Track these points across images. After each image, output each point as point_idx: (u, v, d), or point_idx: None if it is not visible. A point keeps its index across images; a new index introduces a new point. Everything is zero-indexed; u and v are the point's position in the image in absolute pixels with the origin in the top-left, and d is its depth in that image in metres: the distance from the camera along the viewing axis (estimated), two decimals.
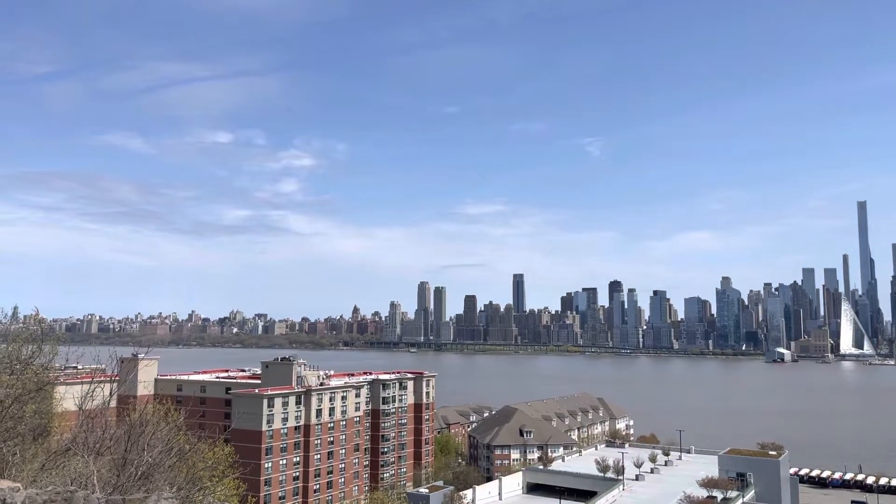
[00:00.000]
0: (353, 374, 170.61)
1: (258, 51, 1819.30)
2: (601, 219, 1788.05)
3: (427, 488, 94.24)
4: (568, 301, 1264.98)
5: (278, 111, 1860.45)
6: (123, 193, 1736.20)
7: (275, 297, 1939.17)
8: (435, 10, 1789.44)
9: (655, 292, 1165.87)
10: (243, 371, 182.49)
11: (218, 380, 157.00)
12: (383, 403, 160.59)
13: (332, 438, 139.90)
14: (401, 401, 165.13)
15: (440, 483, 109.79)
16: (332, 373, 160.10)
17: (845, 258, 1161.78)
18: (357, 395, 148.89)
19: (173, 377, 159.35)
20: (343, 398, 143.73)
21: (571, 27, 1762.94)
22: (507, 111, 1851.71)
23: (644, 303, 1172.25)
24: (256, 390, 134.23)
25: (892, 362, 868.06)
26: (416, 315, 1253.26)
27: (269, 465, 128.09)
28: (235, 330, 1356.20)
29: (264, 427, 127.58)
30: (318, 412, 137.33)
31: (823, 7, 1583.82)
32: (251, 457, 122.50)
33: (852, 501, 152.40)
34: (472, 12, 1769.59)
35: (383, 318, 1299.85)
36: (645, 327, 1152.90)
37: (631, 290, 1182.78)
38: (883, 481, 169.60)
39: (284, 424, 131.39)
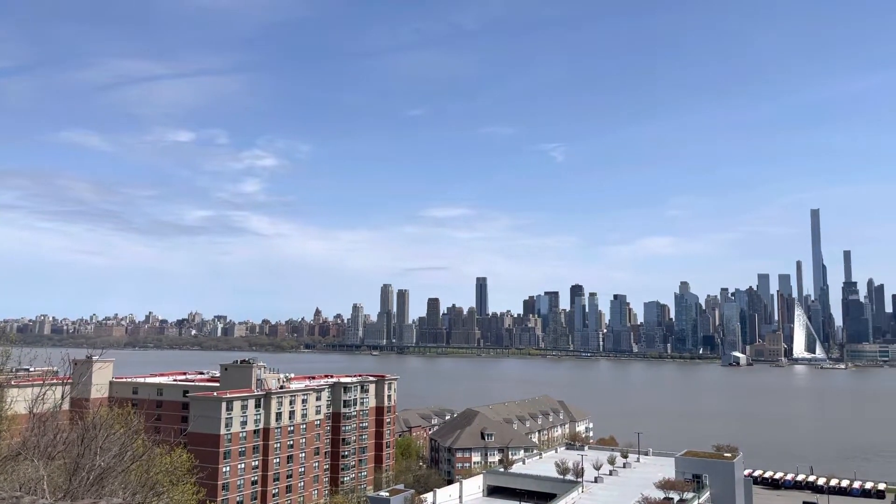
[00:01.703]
0: (314, 377, 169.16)
1: (221, 49, 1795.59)
2: (564, 223, 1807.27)
3: (387, 492, 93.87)
4: (530, 304, 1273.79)
5: (241, 111, 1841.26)
6: (80, 192, 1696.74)
7: (235, 298, 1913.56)
8: (401, 14, 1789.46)
9: (616, 296, 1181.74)
10: (202, 374, 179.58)
11: (175, 382, 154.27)
12: (344, 407, 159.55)
13: (291, 442, 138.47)
14: (362, 404, 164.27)
15: (401, 486, 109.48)
16: (292, 376, 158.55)
17: (799, 264, 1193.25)
18: (318, 399, 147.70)
19: (129, 380, 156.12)
20: (303, 401, 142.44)
21: (537, 34, 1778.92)
22: (474, 115, 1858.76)
23: (605, 306, 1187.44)
24: (215, 393, 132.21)
25: (843, 366, 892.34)
26: (379, 318, 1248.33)
27: (227, 469, 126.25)
28: (194, 332, 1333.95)
29: (222, 430, 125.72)
30: (278, 415, 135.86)
31: (781, 21, 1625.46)
32: (209, 461, 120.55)
33: (803, 502, 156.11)
34: (439, 17, 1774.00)
35: (346, 321, 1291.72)
36: (605, 331, 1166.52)
37: (592, 294, 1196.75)
38: (833, 482, 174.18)
39: (243, 428, 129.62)
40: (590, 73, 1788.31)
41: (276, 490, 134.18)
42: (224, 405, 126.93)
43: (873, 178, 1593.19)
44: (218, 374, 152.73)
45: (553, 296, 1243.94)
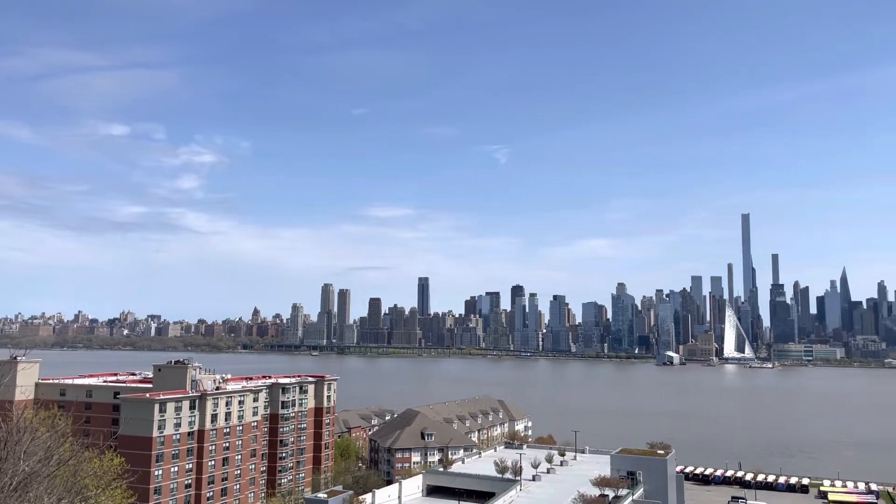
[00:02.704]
0: (251, 378, 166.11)
1: (159, 42, 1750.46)
2: (506, 224, 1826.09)
3: (326, 493, 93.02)
4: (472, 305, 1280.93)
5: (179, 105, 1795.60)
6: (7, 186, 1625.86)
7: (170, 297, 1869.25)
8: (343, 11, 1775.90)
9: (555, 297, 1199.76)
10: (133, 375, 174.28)
11: (105, 384, 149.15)
12: (282, 408, 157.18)
13: (227, 444, 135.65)
14: (301, 405, 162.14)
15: (339, 488, 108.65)
16: (229, 377, 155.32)
17: (730, 267, 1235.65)
18: (255, 400, 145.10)
19: (56, 381, 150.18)
20: (240, 403, 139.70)
21: (480, 36, 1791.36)
22: (417, 115, 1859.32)
23: (545, 307, 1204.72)
24: (148, 395, 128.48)
25: (770, 366, 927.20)
26: (320, 317, 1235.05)
27: (160, 472, 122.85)
28: (126, 332, 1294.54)
29: (155, 433, 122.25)
30: (214, 417, 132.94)
31: (717, 31, 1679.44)
32: (140, 464, 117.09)
33: (732, 497, 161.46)
34: (382, 16, 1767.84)
35: (285, 321, 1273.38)
36: (545, 331, 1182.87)
37: (532, 295, 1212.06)
38: (760, 478, 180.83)
39: (177, 430, 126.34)
40: (533, 75, 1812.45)
41: (211, 493, 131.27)
42: (157, 407, 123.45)
43: (800, 184, 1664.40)
44: (151, 375, 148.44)
45: (494, 296, 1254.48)
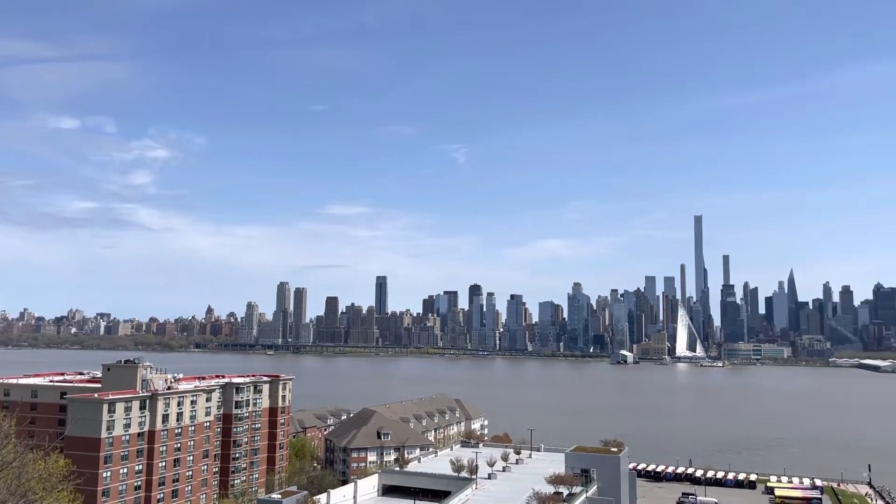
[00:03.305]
0: (204, 378, 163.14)
1: (110, 34, 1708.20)
2: (464, 224, 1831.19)
3: (279, 494, 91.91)
4: (430, 304, 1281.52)
5: (131, 99, 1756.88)
6: None
7: (120, 295, 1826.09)
8: (301, 8, 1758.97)
9: (512, 296, 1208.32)
10: (81, 374, 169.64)
11: (52, 384, 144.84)
12: (236, 408, 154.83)
13: (178, 445, 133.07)
14: (255, 405, 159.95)
15: (293, 488, 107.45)
16: (181, 376, 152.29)
17: (682, 268, 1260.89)
18: (208, 400, 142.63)
19: None
20: (192, 403, 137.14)
21: (440, 35, 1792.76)
22: (376, 113, 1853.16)
23: (502, 306, 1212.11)
24: (96, 395, 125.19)
25: (720, 364, 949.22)
26: (275, 316, 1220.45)
27: (108, 474, 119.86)
28: (74, 330, 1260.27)
29: (103, 434, 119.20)
30: (165, 418, 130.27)
31: (673, 35, 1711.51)
32: (88, 466, 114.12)
33: (683, 493, 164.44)
34: (340, 13, 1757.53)
35: (239, 320, 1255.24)
36: (502, 330, 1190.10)
37: (490, 294, 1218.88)
38: (710, 474, 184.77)
39: (126, 431, 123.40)
40: (492, 76, 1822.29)
41: (162, 495, 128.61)
42: (105, 407, 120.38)
43: (751, 187, 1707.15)
44: (99, 375, 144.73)
45: (452, 295, 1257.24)
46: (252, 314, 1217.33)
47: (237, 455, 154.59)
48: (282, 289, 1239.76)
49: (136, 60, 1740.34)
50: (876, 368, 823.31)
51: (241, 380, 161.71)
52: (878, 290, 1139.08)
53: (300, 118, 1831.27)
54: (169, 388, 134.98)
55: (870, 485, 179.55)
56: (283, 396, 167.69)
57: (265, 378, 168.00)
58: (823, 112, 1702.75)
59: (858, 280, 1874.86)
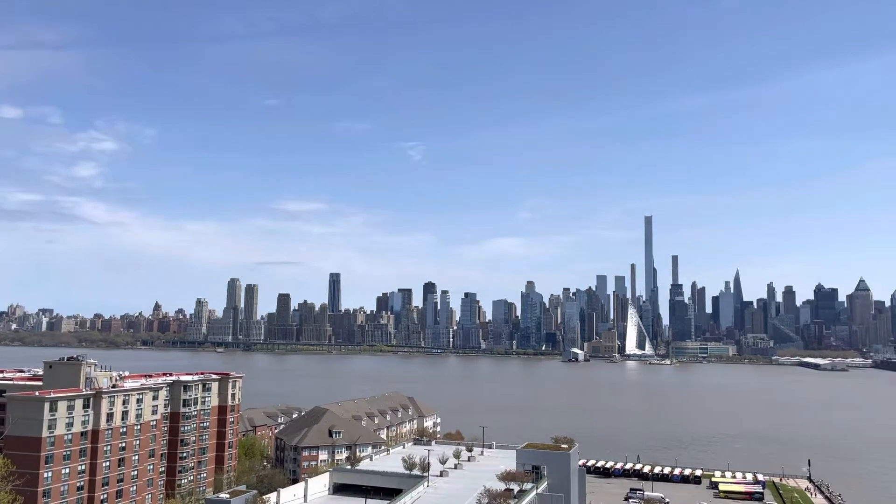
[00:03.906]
0: (150, 376, 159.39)
1: (57, 22, 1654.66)
2: (419, 222, 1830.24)
3: (228, 493, 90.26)
4: (384, 301, 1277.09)
5: (78, 89, 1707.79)
6: None
7: (63, 291, 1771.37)
8: (257, 1, 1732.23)
9: (467, 294, 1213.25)
10: (22, 372, 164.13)
11: None
12: (184, 406, 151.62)
13: (124, 444, 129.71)
14: (203, 403, 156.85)
15: (242, 488, 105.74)
16: (127, 374, 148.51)
17: (633, 267, 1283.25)
18: (154, 398, 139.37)
19: None
20: (138, 401, 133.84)
21: (396, 33, 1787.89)
22: (331, 109, 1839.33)
23: (456, 304, 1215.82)
24: (37, 393, 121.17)
25: (668, 362, 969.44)
26: (225, 313, 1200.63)
27: (50, 474, 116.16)
28: (14, 326, 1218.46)
29: (44, 433, 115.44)
30: (110, 416, 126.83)
31: (628, 40, 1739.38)
32: (28, 466, 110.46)
33: (630, 489, 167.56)
34: (296, 7, 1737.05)
35: (188, 316, 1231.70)
36: (455, 328, 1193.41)
37: (444, 292, 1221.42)
38: (657, 470, 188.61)
39: (69, 430, 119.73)
40: (449, 74, 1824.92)
41: (105, 495, 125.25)
42: (47, 406, 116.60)
43: (700, 189, 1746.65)
44: (41, 373, 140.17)
45: (406, 293, 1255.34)
46: (201, 311, 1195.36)
47: (185, 454, 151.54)
48: (232, 285, 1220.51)
49: (84, 50, 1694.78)
50: (816, 366, 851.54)
51: (189, 378, 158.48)
52: (818, 290, 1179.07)
53: (254, 112, 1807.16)
54: (114, 386, 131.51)
55: (809, 479, 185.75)
56: (233, 395, 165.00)
57: (214, 376, 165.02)
58: (770, 117, 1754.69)
59: (801, 281, 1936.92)
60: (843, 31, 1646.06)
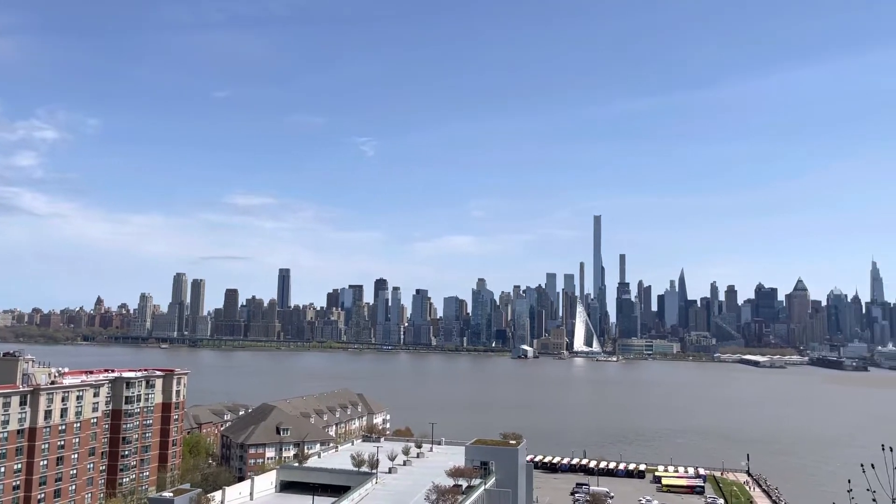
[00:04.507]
0: (92, 372, 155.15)
1: None
2: (371, 218, 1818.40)
3: (171, 492, 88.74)
4: (334, 297, 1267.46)
5: (17, 76, 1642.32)
6: None
7: (0, 284, 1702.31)
8: None
9: (418, 291, 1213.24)
10: None
11: None
12: (126, 403, 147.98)
13: (62, 442, 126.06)
14: (147, 400, 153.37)
15: (187, 486, 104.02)
16: (66, 370, 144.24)
17: (582, 266, 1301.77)
18: (95, 395, 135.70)
19: None
20: (78, 398, 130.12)
21: (349, 27, 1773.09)
22: (283, 102, 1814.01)
23: (407, 301, 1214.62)
24: None
25: (615, 359, 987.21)
26: (171, 308, 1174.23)
27: None
28: None
29: None
30: (48, 414, 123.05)
31: (580, 38, 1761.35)
32: None
33: (577, 483, 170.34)
34: None
35: (132, 312, 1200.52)
36: (407, 324, 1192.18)
37: (395, 289, 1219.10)
38: (602, 465, 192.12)
39: (4, 428, 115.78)
40: (403, 71, 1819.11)
41: (43, 495, 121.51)
42: None
43: (648, 190, 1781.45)
44: None
45: (357, 289, 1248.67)
46: (146, 306, 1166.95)
47: (127, 453, 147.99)
48: (178, 280, 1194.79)
49: (25, 37, 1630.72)
50: (756, 364, 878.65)
51: (132, 374, 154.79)
52: (759, 290, 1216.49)
53: (202, 104, 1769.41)
54: (53, 382, 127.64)
55: (748, 473, 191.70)
56: (178, 391, 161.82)
57: (158, 372, 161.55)
58: (719, 120, 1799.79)
59: (742, 281, 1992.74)
60: (792, 38, 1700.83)
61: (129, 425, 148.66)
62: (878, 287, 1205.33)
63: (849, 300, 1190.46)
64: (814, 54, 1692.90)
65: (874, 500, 22.23)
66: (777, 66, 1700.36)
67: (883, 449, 24.26)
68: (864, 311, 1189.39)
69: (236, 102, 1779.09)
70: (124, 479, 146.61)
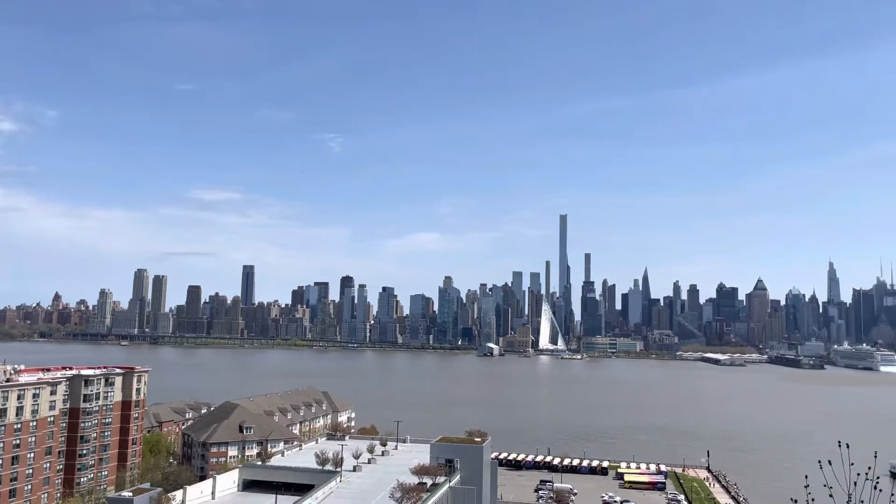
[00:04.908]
0: (49, 370, 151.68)
1: None
2: (338, 215, 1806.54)
3: (131, 491, 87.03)
4: (299, 295, 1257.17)
5: None
6: None
7: None
8: None
9: (384, 289, 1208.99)
10: None
11: None
12: (85, 401, 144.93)
13: (18, 441, 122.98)
14: (106, 398, 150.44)
15: (147, 485, 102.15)
16: (22, 367, 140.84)
17: (547, 264, 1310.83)
18: (52, 393, 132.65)
19: None
20: (34, 396, 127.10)
21: (317, 24, 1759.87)
22: (249, 97, 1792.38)
23: (373, 298, 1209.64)
24: None
25: (579, 357, 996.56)
26: (131, 305, 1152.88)
27: None
28: None
29: None
30: (2, 412, 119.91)
31: (549, 38, 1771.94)
32: None
33: (541, 480, 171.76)
34: None
35: (91, 308, 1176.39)
36: (373, 322, 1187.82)
37: (362, 286, 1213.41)
38: (566, 461, 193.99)
39: None
40: (371, 68, 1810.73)
41: None
42: None
43: (613, 190, 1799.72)
44: None
45: (323, 286, 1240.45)
46: (105, 302, 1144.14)
47: (85, 452, 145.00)
48: (139, 276, 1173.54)
49: None
50: (716, 362, 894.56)
51: (90, 372, 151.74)
52: (720, 289, 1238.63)
53: (166, 97, 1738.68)
54: (8, 380, 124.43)
55: (708, 469, 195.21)
56: (138, 390, 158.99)
57: (118, 370, 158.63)
58: (681, 122, 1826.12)
59: (704, 280, 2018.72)
60: (757, 43, 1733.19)
61: (87, 424, 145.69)
62: (835, 287, 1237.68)
63: (806, 300, 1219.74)
64: (778, 59, 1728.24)
65: (831, 495, 22.65)
66: (741, 71, 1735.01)
67: (840, 445, 24.76)
68: (821, 310, 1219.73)
69: (201, 96, 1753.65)
70: (82, 479, 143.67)
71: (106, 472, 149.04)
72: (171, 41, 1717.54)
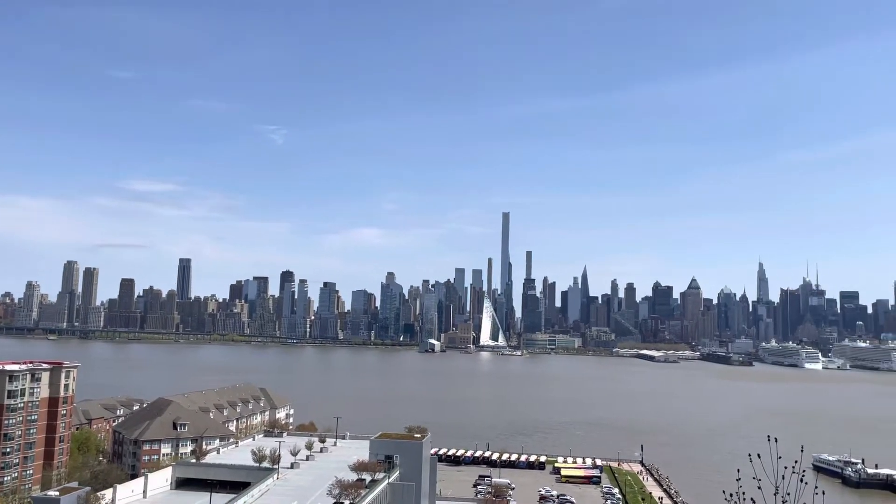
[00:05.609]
0: None
1: None
2: (279, 208, 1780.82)
3: (57, 490, 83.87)
4: (238, 289, 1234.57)
5: None
6: None
7: None
8: None
9: (326, 284, 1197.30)
10: None
11: None
12: (9, 398, 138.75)
13: None
14: (32, 394, 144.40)
15: (74, 484, 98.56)
16: None
17: (490, 261, 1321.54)
18: None
19: None
20: None
21: (258, 14, 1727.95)
22: (189, 86, 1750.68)
23: (314, 294, 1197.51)
24: None
25: (519, 353, 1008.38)
26: (60, 298, 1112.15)
27: None
28: None
29: None
30: None
31: (494, 37, 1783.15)
32: None
33: (479, 475, 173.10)
34: None
35: (16, 301, 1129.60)
36: (313, 318, 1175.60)
37: (302, 281, 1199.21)
38: (504, 457, 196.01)
39: None
40: (315, 61, 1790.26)
41: None
42: None
43: (554, 189, 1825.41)
44: None
45: (262, 281, 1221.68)
46: (32, 295, 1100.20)
47: (8, 450, 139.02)
48: (69, 268, 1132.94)
49: None
50: (651, 358, 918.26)
51: (15, 367, 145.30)
52: (656, 287, 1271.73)
53: (99, 84, 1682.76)
54: None
55: (642, 463, 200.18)
56: (66, 385, 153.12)
57: (45, 365, 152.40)
58: (621, 123, 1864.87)
59: (641, 278, 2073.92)
60: (695, 47, 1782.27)
61: (11, 421, 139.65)
62: (764, 287, 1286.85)
63: (737, 299, 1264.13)
64: (716, 63, 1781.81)
65: (759, 487, 23.47)
66: (678, 74, 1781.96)
67: (769, 439, 25.69)
68: (750, 309, 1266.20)
69: (138, 83, 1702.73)
70: (6, 478, 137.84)
71: (31, 471, 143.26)
72: (108, 27, 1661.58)
